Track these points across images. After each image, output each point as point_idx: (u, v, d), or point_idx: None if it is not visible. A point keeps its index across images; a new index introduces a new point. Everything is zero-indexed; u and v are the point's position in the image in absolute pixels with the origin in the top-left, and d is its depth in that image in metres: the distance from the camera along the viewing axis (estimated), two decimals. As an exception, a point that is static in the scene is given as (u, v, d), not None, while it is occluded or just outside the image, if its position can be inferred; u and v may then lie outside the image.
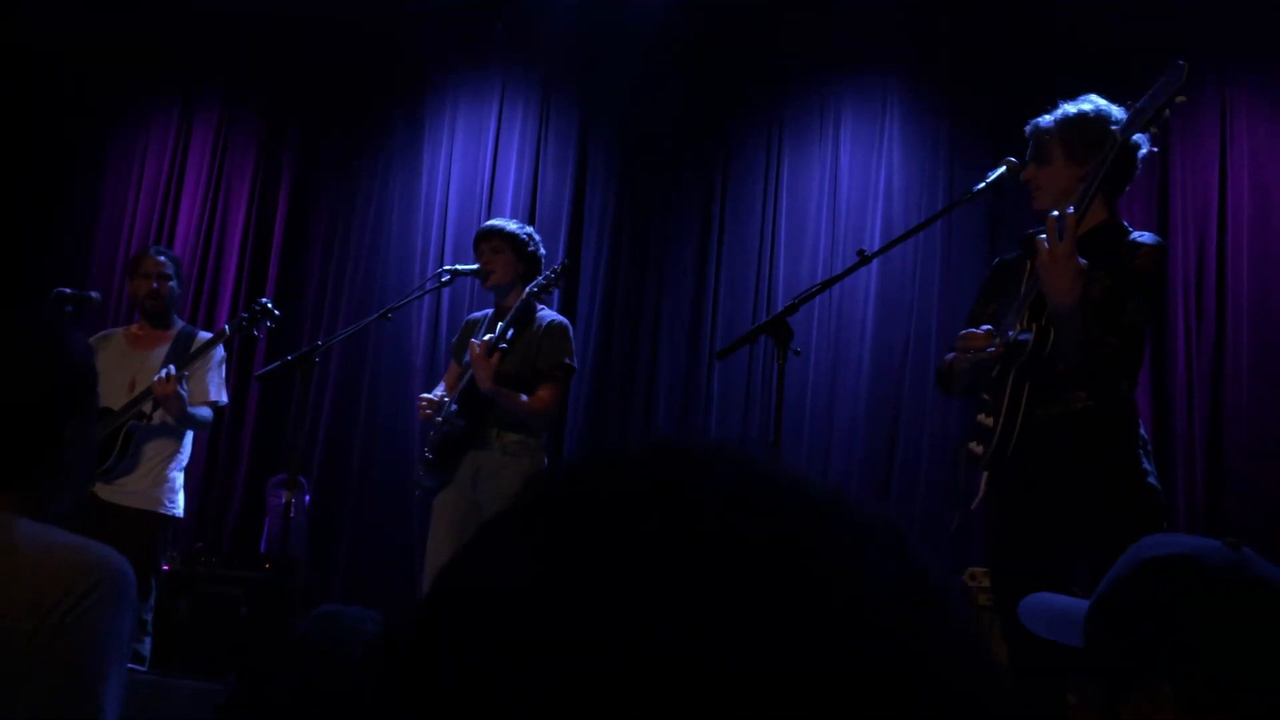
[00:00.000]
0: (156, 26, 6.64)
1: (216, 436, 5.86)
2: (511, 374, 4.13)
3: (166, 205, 6.59)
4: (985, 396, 3.04)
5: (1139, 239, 3.04)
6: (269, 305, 4.62)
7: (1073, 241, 2.78)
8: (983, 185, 3.25)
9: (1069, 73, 5.40)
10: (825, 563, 0.45)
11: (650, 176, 6.10)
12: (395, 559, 5.63)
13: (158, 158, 6.66)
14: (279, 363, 4.16)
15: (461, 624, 0.46)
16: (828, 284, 3.37)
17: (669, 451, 0.49)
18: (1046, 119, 3.15)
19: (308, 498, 5.79)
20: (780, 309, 3.21)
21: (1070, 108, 3.14)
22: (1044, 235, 2.82)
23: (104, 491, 4.42)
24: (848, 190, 5.77)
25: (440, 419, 4.21)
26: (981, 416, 3.03)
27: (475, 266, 4.39)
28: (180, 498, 4.63)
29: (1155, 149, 3.01)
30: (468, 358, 4.34)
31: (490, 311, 4.48)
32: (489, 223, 4.54)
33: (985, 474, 2.96)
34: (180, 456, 4.64)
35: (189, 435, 4.71)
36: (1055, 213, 2.83)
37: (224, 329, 4.64)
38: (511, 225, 4.43)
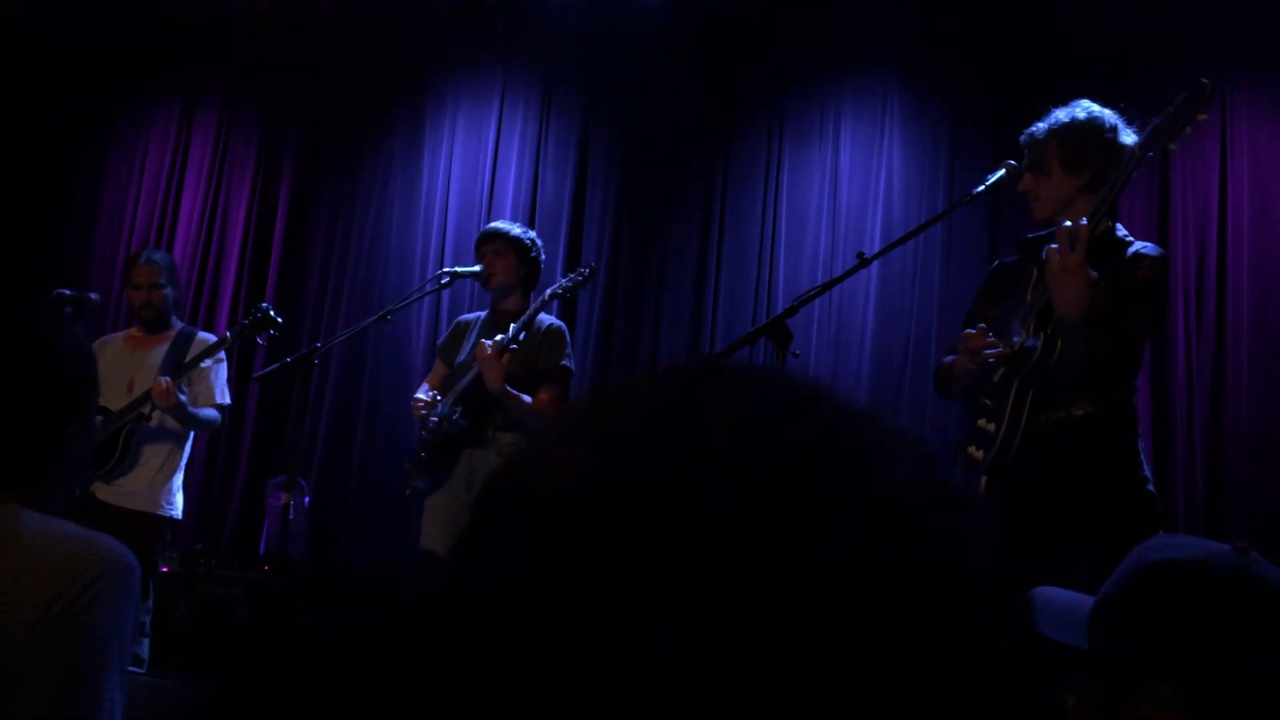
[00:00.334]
0: (157, 26, 6.65)
1: (216, 437, 5.85)
2: (512, 375, 4.13)
3: (166, 205, 6.59)
4: (986, 401, 3.05)
5: (1143, 250, 3.04)
6: (271, 313, 4.60)
7: (1085, 253, 2.78)
8: (982, 188, 3.25)
9: (1069, 74, 5.40)
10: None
11: (650, 177, 6.10)
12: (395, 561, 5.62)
13: (158, 158, 6.66)
14: (278, 364, 4.16)
15: (462, 622, 0.46)
16: (827, 286, 3.36)
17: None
18: (1041, 128, 3.13)
19: (307, 499, 5.78)
20: (780, 310, 3.21)
21: (1063, 115, 3.12)
22: (1054, 245, 2.82)
23: (103, 492, 4.41)
24: (848, 191, 5.76)
25: (433, 419, 4.21)
26: (982, 422, 3.04)
27: (476, 269, 4.39)
28: (179, 499, 4.62)
29: (1151, 154, 3.01)
30: (461, 359, 4.35)
31: (483, 314, 4.49)
32: (491, 225, 4.54)
33: (984, 479, 2.97)
34: (180, 458, 4.64)
35: (189, 437, 4.71)
36: (1068, 223, 2.83)
37: (226, 336, 4.63)
38: (515, 229, 4.44)
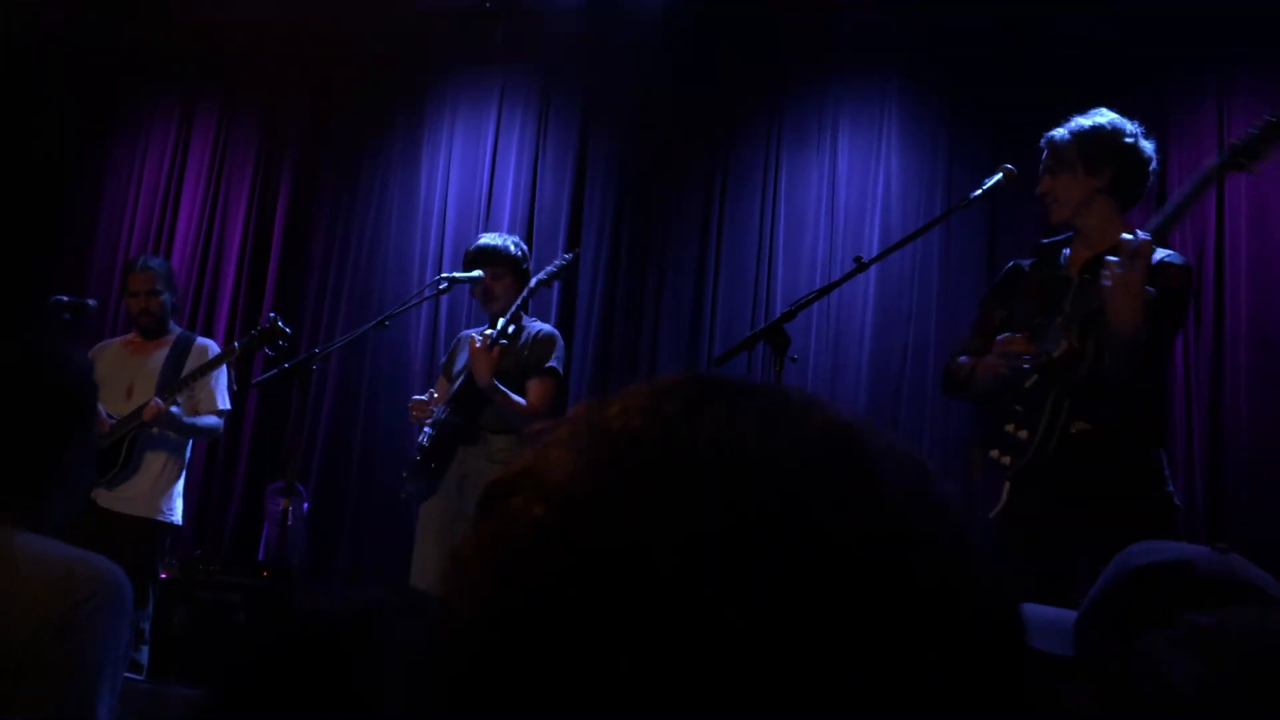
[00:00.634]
0: (156, 32, 6.66)
1: (215, 443, 5.85)
2: (502, 374, 4.14)
3: (165, 210, 6.59)
4: (1017, 408, 3.04)
5: (1169, 260, 3.05)
6: (280, 323, 4.57)
7: (1146, 270, 2.78)
8: (979, 192, 3.26)
9: (1067, 77, 5.41)
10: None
11: (649, 181, 6.10)
12: (393, 566, 5.62)
13: (157, 162, 6.67)
14: (277, 370, 4.16)
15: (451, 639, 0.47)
16: (825, 290, 3.37)
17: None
18: (1062, 131, 3.15)
19: (306, 505, 5.78)
20: (779, 314, 3.21)
21: (1085, 121, 3.15)
22: (1114, 259, 2.81)
23: (103, 498, 4.42)
24: (846, 195, 5.76)
25: (429, 422, 4.23)
26: (1010, 427, 3.04)
27: (474, 275, 4.39)
28: (179, 504, 4.63)
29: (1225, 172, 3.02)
30: (459, 367, 4.36)
31: (482, 329, 4.50)
32: (486, 244, 4.49)
33: (1008, 484, 2.98)
34: (181, 464, 4.65)
35: (190, 443, 4.72)
36: (1127, 236, 2.82)
37: (234, 346, 4.62)
38: (509, 246, 4.44)
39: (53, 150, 6.69)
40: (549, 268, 4.41)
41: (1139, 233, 2.85)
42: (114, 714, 1.45)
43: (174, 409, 4.45)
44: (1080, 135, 3.11)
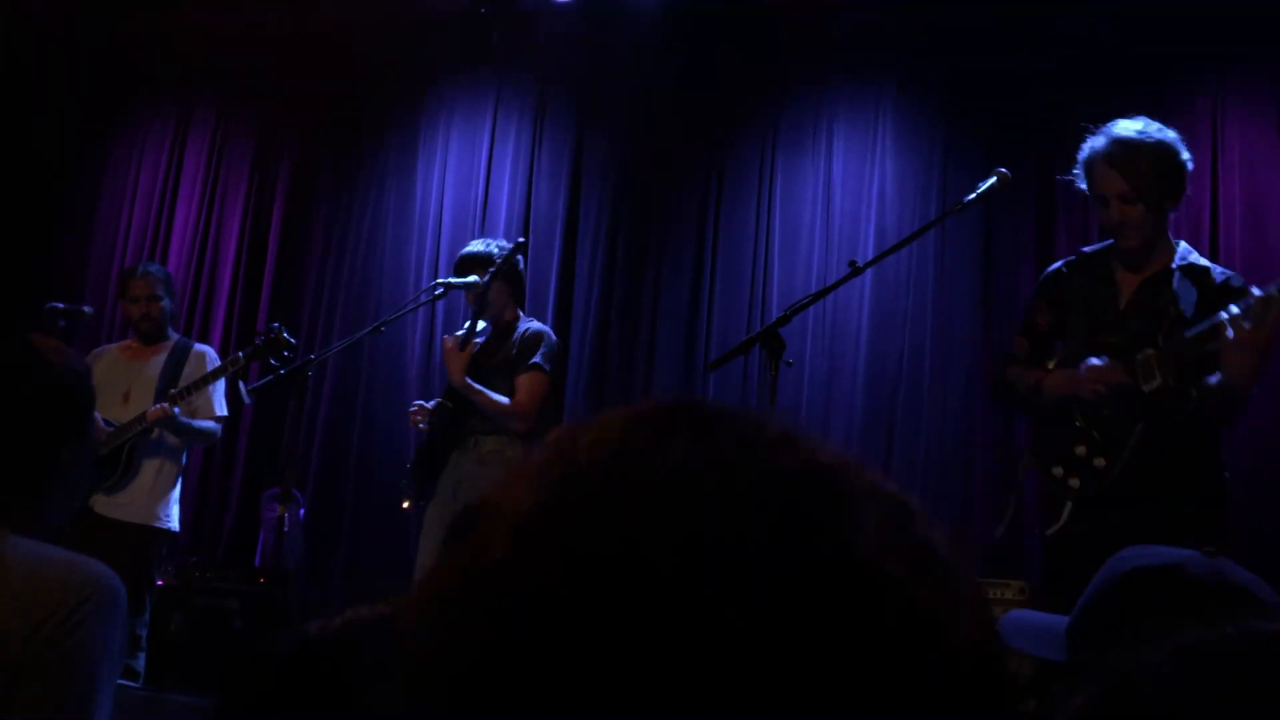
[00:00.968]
0: (151, 39, 6.66)
1: (211, 449, 5.85)
2: (490, 375, 4.14)
3: (161, 216, 6.59)
4: (1094, 433, 3.03)
5: (1231, 280, 3.03)
6: (284, 334, 4.53)
7: (1275, 330, 2.74)
8: (973, 196, 3.24)
9: (1062, 83, 5.42)
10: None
11: (644, 186, 6.11)
12: (391, 572, 5.62)
13: (153, 167, 6.67)
14: (272, 376, 4.16)
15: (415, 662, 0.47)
16: (820, 294, 3.37)
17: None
18: (1140, 152, 3.01)
19: (302, 511, 5.78)
20: (774, 319, 3.21)
21: (1152, 136, 3.03)
22: (1238, 311, 2.77)
23: (101, 505, 4.42)
24: (841, 200, 5.77)
25: (424, 426, 4.24)
26: (1081, 450, 3.03)
27: (469, 279, 4.38)
28: (176, 511, 4.63)
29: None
30: None
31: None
32: (475, 250, 4.48)
33: (1071, 506, 2.96)
34: (178, 471, 4.65)
35: (187, 450, 4.72)
36: (1258, 291, 2.77)
37: (238, 356, 4.61)
38: (481, 246, 4.43)
39: (49, 155, 6.69)
40: (498, 256, 4.30)
41: (1272, 286, 2.77)
42: (110, 717, 1.45)
43: (175, 410, 4.45)
44: (1155, 159, 3.01)
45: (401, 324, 5.73)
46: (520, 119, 6.31)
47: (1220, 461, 3.08)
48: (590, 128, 6.24)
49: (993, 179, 3.24)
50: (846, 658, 0.43)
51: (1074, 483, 2.99)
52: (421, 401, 4.34)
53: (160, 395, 4.53)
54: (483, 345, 4.22)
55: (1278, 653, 0.80)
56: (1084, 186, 3.20)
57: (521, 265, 4.50)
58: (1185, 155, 3.07)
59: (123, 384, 4.63)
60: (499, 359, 4.21)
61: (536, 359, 4.23)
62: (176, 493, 4.64)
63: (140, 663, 4.38)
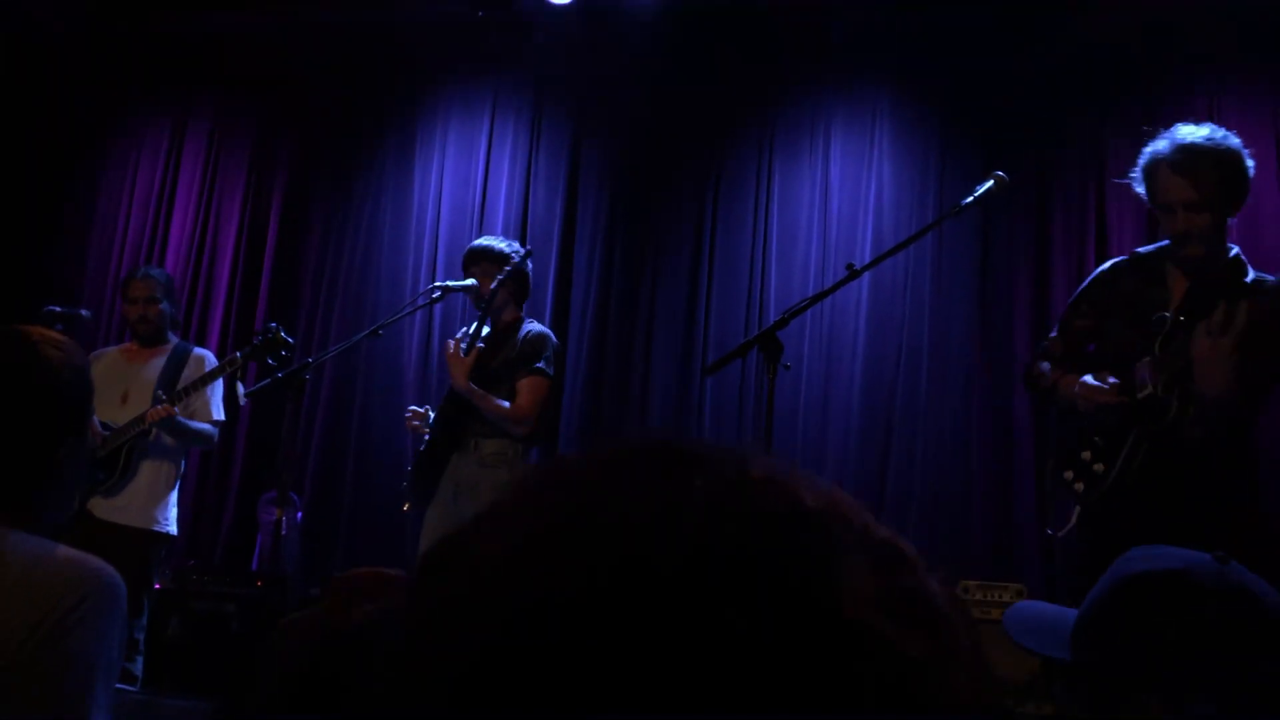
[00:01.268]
0: (148, 43, 6.65)
1: (208, 453, 5.85)
2: (491, 378, 4.13)
3: (158, 220, 6.59)
4: (1096, 439, 3.02)
5: (1266, 281, 2.98)
6: (282, 333, 4.51)
7: (1243, 334, 2.72)
8: (971, 199, 3.23)
9: (1059, 86, 5.44)
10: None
11: (642, 190, 6.11)
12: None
13: (149, 173, 6.67)
14: (270, 380, 4.15)
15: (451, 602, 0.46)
16: (817, 298, 3.37)
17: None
18: (1208, 159, 2.95)
19: (300, 514, 5.77)
20: (771, 322, 3.21)
21: (1218, 142, 2.98)
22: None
23: (99, 508, 4.41)
24: (838, 203, 5.78)
25: (426, 431, 4.23)
26: (1087, 455, 3.03)
27: (467, 283, 4.38)
28: (174, 515, 4.62)
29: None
30: None
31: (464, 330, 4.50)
32: (478, 243, 4.51)
33: (1078, 510, 2.97)
34: (177, 475, 4.64)
35: (185, 453, 4.71)
36: (1265, 277, 2.78)
37: (236, 356, 4.60)
38: (500, 244, 4.43)
39: (46, 158, 6.68)
40: (508, 268, 4.29)
41: (1266, 277, 2.74)
42: (110, 713, 1.45)
43: (175, 411, 4.45)
44: (1222, 166, 2.94)
45: (399, 327, 5.73)
46: (517, 122, 6.32)
47: (1246, 467, 3.00)
48: (587, 131, 6.24)
49: (990, 182, 3.23)
50: (830, 713, 0.41)
51: (1079, 487, 3.00)
52: (415, 407, 4.33)
53: (158, 398, 4.52)
54: (483, 347, 4.21)
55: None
56: (1141, 190, 3.11)
57: (530, 268, 4.50)
58: (1250, 162, 3.00)
59: (121, 385, 4.62)
60: (500, 360, 4.21)
61: (540, 363, 4.24)
62: (174, 496, 4.63)
63: (138, 666, 4.36)
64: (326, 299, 6.34)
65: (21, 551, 1.45)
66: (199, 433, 4.61)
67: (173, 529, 4.61)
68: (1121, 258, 3.32)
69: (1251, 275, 3.02)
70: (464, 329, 4.69)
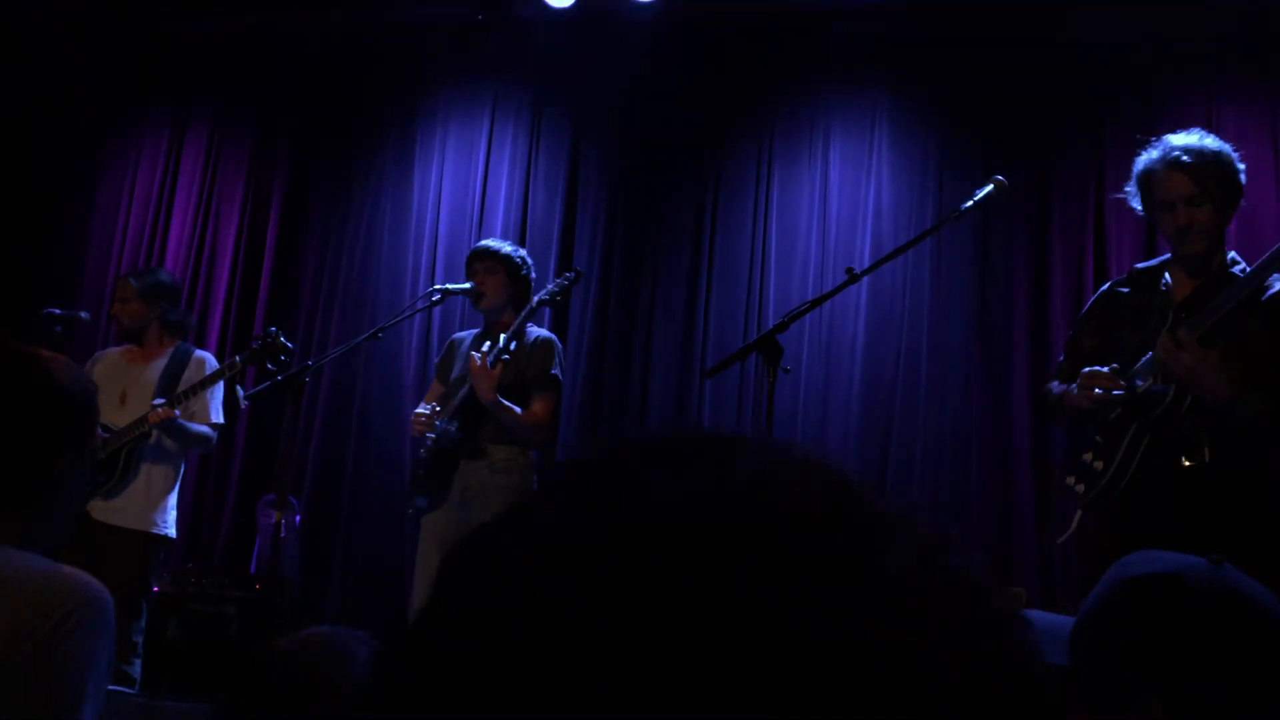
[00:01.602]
0: (147, 45, 6.66)
1: (207, 456, 5.84)
2: (504, 386, 4.15)
3: (157, 223, 6.59)
4: (1097, 438, 3.02)
5: (1247, 281, 2.99)
6: (282, 338, 4.49)
7: (1215, 360, 2.76)
8: (970, 204, 3.24)
9: (1058, 91, 5.44)
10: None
11: (641, 194, 6.11)
12: (388, 579, 5.61)
13: (148, 176, 6.67)
14: (269, 383, 4.16)
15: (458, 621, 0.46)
16: (817, 302, 3.37)
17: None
18: (1197, 159, 3.02)
19: (299, 517, 5.77)
20: (771, 326, 3.21)
21: (1208, 147, 3.06)
22: (1186, 333, 2.79)
23: (98, 511, 4.40)
24: (837, 207, 5.78)
25: (432, 435, 4.22)
26: (1087, 456, 3.03)
27: (467, 285, 4.40)
28: (173, 517, 4.62)
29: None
30: (456, 374, 4.36)
31: (475, 331, 4.51)
32: (483, 243, 4.55)
33: (1079, 512, 2.96)
34: (176, 477, 4.64)
35: (185, 456, 4.71)
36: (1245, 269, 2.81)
37: (235, 360, 4.60)
38: (505, 247, 4.46)
39: (45, 161, 6.69)
40: (550, 286, 4.38)
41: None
42: None
43: (176, 413, 4.44)
44: (1220, 164, 3.03)
45: (398, 330, 5.73)
46: (517, 125, 6.32)
47: (1260, 478, 2.97)
48: (586, 134, 6.24)
49: (990, 186, 3.23)
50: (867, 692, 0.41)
51: (1080, 489, 3.00)
52: (421, 410, 4.33)
53: (163, 396, 4.52)
54: (508, 359, 4.21)
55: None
56: (1137, 205, 3.17)
57: (534, 275, 4.53)
58: (1241, 165, 3.09)
59: (120, 386, 4.62)
60: (509, 371, 4.21)
61: (554, 370, 4.27)
62: (174, 498, 4.63)
63: (136, 669, 4.36)
64: (326, 301, 6.34)
65: (8, 565, 1.45)
66: (198, 435, 4.61)
67: (172, 531, 4.61)
68: (1119, 276, 3.36)
69: (1275, 289, 3.03)
70: (463, 333, 4.69)
